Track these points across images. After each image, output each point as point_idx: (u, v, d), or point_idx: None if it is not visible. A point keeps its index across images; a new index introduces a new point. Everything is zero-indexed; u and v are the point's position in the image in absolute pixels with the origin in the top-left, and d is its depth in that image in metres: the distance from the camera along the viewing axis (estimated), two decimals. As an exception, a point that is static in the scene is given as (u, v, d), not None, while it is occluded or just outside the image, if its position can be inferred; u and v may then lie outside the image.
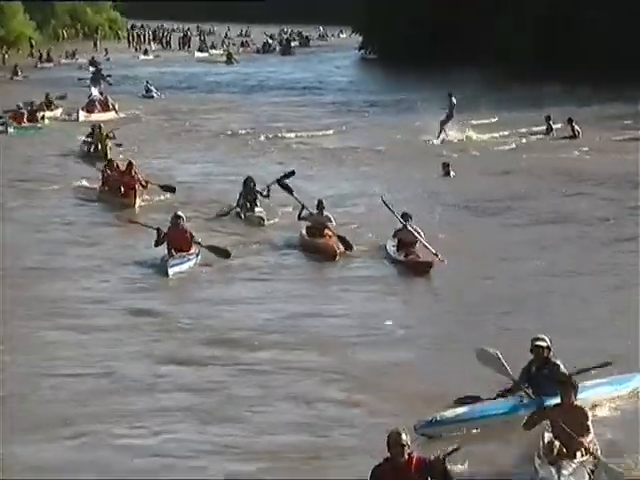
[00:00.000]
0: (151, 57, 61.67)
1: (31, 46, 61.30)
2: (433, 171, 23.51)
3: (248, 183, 19.18)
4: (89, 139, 26.20)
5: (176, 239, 15.56)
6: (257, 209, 18.93)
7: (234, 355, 11.88)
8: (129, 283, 14.96)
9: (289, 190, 18.41)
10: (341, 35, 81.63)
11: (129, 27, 79.60)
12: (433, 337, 12.57)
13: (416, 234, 16.12)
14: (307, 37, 78.83)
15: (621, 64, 40.04)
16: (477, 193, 21.34)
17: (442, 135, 29.05)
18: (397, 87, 43.86)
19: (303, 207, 17.56)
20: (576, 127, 29.54)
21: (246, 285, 14.99)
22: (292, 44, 70.11)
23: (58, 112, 33.73)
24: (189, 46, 70.88)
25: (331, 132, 30.52)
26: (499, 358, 10.09)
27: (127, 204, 19.62)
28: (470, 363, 10.53)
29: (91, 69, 48.26)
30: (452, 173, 23.17)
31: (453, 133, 29.34)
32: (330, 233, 16.79)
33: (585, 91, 36.40)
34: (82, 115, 32.75)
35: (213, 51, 67.27)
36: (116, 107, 33.99)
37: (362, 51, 62.41)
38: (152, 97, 39.82)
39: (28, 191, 21.57)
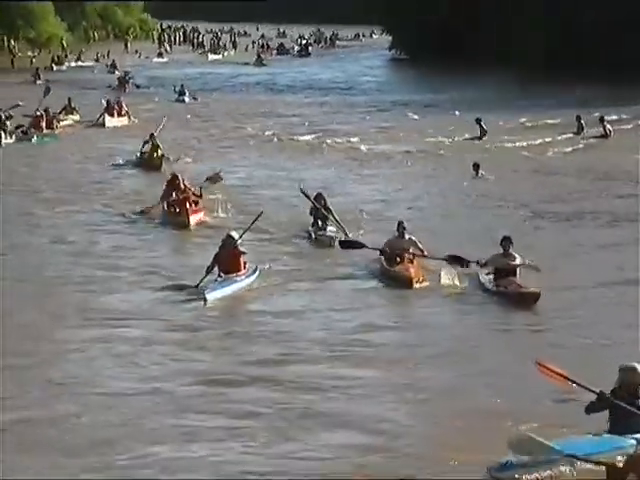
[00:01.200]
0: (165, 60, 60.99)
1: (62, 47, 61.87)
2: (465, 171, 23.72)
3: (319, 200, 17.77)
4: (143, 148, 25.19)
5: (226, 261, 14.51)
6: (329, 228, 17.54)
7: (290, 371, 11.31)
8: (178, 298, 14.16)
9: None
10: (374, 36, 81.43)
11: (160, 28, 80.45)
12: (509, 359, 11.69)
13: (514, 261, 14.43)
14: (332, 37, 78.98)
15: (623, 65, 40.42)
16: (511, 194, 21.42)
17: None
18: (427, 87, 44.21)
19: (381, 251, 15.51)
20: (608, 126, 29.77)
21: (304, 300, 14.10)
22: (310, 46, 69.42)
23: (77, 117, 33.01)
24: (219, 47, 71.52)
25: (363, 134, 30.61)
26: (537, 440, 8.44)
27: (181, 223, 18.40)
28: (550, 394, 9.92)
29: (117, 74, 47.80)
30: (481, 172, 23.32)
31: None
32: (411, 258, 15.12)
33: (605, 90, 36.85)
34: (108, 120, 31.97)
35: (227, 52, 67.25)
36: (130, 113, 33.14)
37: (392, 51, 63.04)
38: (184, 101, 38.98)
39: (71, 202, 20.73)
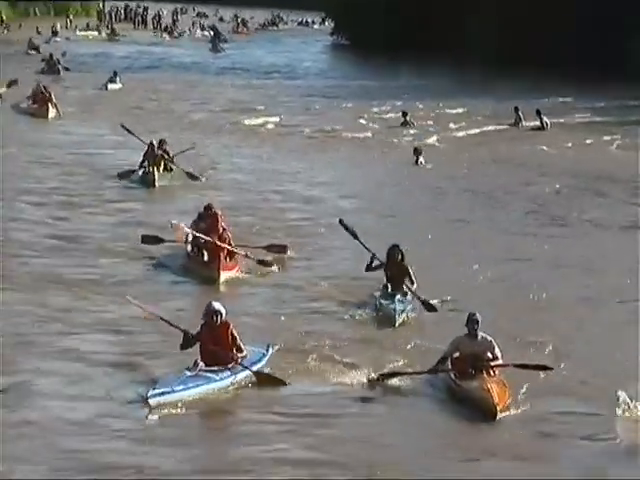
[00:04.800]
0: (59, 39, 54.87)
1: (1, 21, 60.47)
2: (405, 157, 23.37)
3: (393, 254, 13.07)
4: (144, 160, 20.41)
5: (208, 345, 10.44)
6: (400, 296, 12.72)
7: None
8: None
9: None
10: (326, 24, 75.04)
11: (102, 5, 78.64)
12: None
13: None
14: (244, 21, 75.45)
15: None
16: (449, 181, 21.27)
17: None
18: (369, 73, 44.10)
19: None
20: (544, 119, 29.65)
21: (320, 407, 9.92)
22: (222, 37, 59.80)
23: None
24: (161, 26, 70.03)
25: (304, 118, 30.15)
26: None
27: (209, 277, 13.96)
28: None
29: (32, 53, 45.16)
30: (421, 160, 22.89)
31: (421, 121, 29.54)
32: (489, 368, 10.36)
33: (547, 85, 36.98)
34: (52, 111, 27.92)
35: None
36: (57, 105, 28.38)
37: (334, 37, 62.82)
38: (106, 88, 34.89)
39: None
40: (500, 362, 10.37)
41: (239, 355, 10.49)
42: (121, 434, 9.10)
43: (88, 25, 63.76)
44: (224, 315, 10.50)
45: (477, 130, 28.86)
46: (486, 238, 16.82)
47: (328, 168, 23.02)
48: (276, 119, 29.63)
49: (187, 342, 10.51)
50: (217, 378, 10.20)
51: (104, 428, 9.17)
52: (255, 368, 10.51)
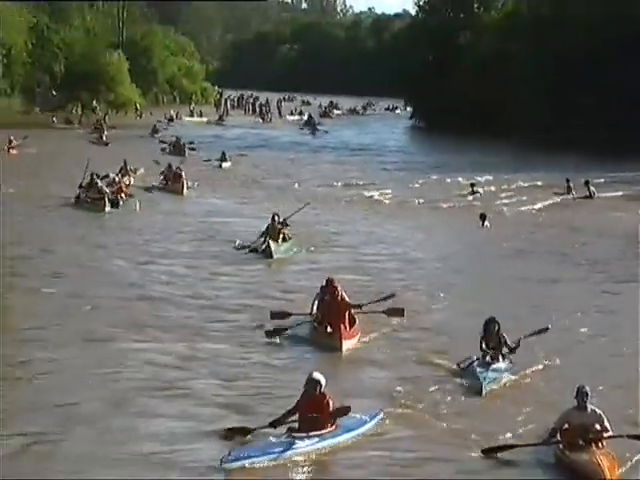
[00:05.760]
0: (174, 125, 56.59)
1: (136, 109, 63.70)
2: (472, 222, 24.66)
3: (490, 326, 12.33)
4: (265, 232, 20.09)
5: (308, 411, 9.83)
6: (497, 365, 12.13)
7: None
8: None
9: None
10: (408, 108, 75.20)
11: (219, 94, 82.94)
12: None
13: None
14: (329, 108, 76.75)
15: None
16: (512, 243, 22.20)
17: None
18: (442, 151, 45.56)
19: None
20: (592, 188, 30.54)
21: None
22: (313, 121, 58.16)
23: (132, 180, 29.21)
24: (267, 112, 73.20)
25: (389, 189, 31.13)
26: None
27: (333, 346, 13.27)
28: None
29: (156, 136, 46.46)
30: (487, 224, 24.03)
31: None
32: (600, 444, 9.58)
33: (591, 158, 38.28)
34: (186, 188, 28.55)
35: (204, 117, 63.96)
36: (185, 178, 28.82)
37: (412, 120, 65.44)
38: (220, 167, 35.62)
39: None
40: (611, 433, 9.54)
41: (336, 423, 9.90)
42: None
43: (193, 112, 66.29)
44: (324, 385, 9.95)
45: (536, 199, 29.59)
46: (565, 296, 16.49)
47: (421, 233, 23.72)
48: (385, 191, 30.28)
49: (287, 415, 9.93)
50: (303, 445, 9.35)
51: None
52: (351, 434, 9.84)
